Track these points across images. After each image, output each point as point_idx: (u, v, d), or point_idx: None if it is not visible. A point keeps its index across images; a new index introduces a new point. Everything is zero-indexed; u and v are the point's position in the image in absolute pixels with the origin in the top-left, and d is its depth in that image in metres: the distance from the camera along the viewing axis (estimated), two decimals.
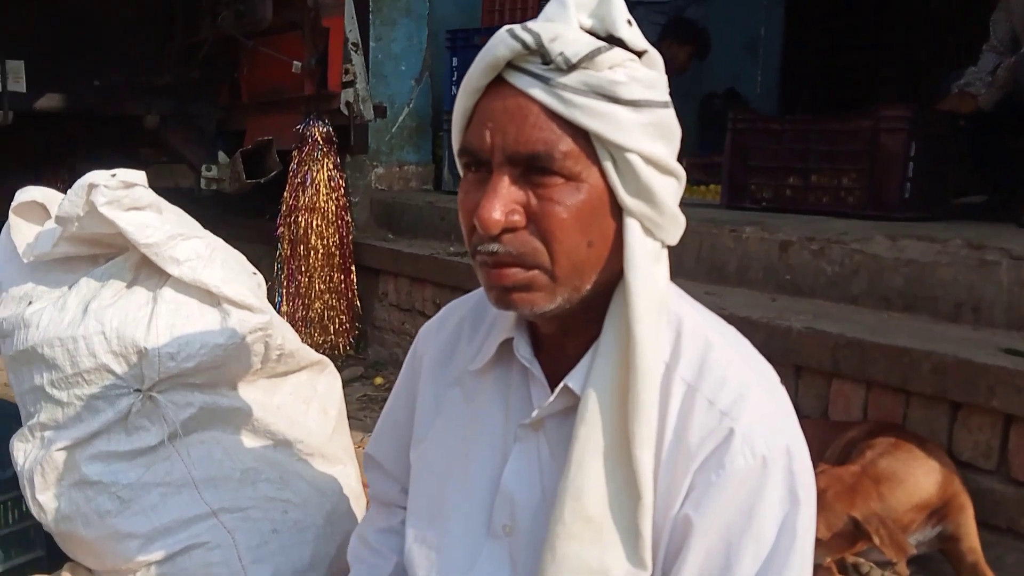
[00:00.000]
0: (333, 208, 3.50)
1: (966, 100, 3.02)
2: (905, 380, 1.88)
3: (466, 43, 3.90)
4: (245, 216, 4.55)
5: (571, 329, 0.90)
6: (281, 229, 3.50)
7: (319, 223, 3.46)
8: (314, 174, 3.45)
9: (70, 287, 1.55)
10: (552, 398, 0.90)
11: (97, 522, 1.47)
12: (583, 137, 0.80)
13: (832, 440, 1.88)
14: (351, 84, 3.61)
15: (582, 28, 0.83)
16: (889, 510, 1.61)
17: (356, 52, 3.62)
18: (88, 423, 1.47)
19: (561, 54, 0.79)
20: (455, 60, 3.92)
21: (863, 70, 5.32)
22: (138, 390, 1.48)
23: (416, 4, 4.17)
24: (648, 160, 0.82)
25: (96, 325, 1.47)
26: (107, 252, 1.59)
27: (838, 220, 2.76)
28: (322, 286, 3.46)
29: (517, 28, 0.82)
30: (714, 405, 0.84)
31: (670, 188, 0.84)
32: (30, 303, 1.52)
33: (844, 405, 2.02)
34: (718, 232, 2.61)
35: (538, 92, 0.80)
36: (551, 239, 0.81)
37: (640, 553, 0.84)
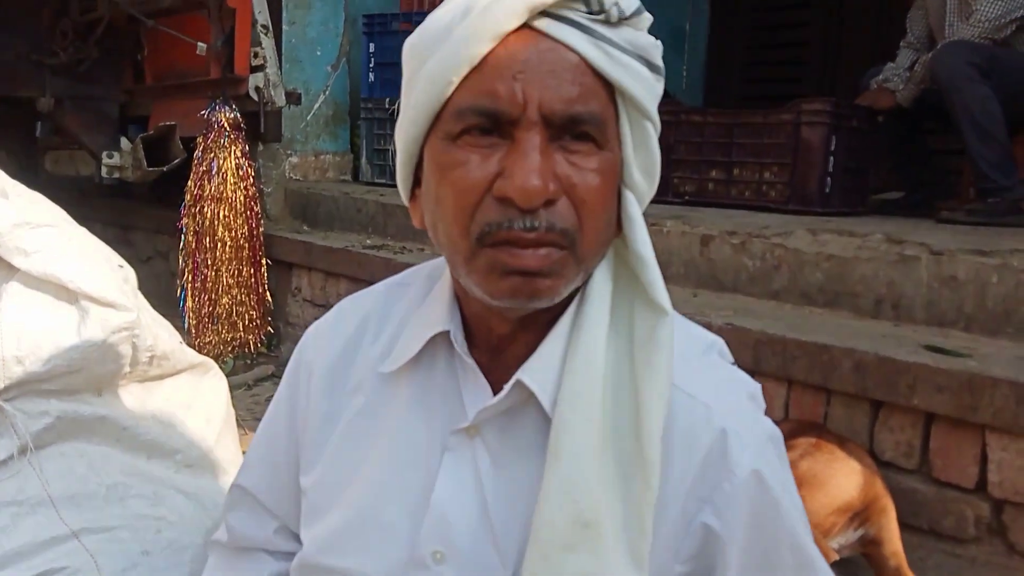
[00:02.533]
0: (241, 198, 3.32)
1: (884, 95, 3.02)
2: (826, 378, 1.82)
3: (384, 28, 3.76)
4: (150, 205, 4.32)
5: (530, 319, 0.78)
6: (185, 220, 3.30)
7: (227, 214, 3.27)
8: (220, 162, 3.26)
9: None
10: (504, 393, 0.78)
11: None
12: (613, 101, 0.73)
13: None
14: (261, 68, 3.43)
15: None
16: (810, 514, 1.53)
17: (266, 35, 3.45)
18: None
19: (616, 4, 0.71)
20: (373, 46, 3.77)
21: (788, 64, 5.34)
22: None
23: None
24: (656, 129, 0.77)
25: None
26: None
27: (760, 214, 2.72)
28: (230, 280, 3.28)
29: None
30: (695, 397, 0.79)
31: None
32: None
33: (766, 403, 1.96)
34: None
35: (581, 43, 0.70)
36: (587, 212, 0.72)
37: (642, 555, 0.74)
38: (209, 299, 3.27)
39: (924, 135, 3.29)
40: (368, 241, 3.34)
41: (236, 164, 3.30)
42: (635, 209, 0.77)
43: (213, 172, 3.26)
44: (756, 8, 5.44)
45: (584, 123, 0.71)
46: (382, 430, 0.85)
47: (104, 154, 3.75)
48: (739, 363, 2.08)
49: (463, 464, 0.81)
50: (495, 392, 0.80)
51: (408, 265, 2.79)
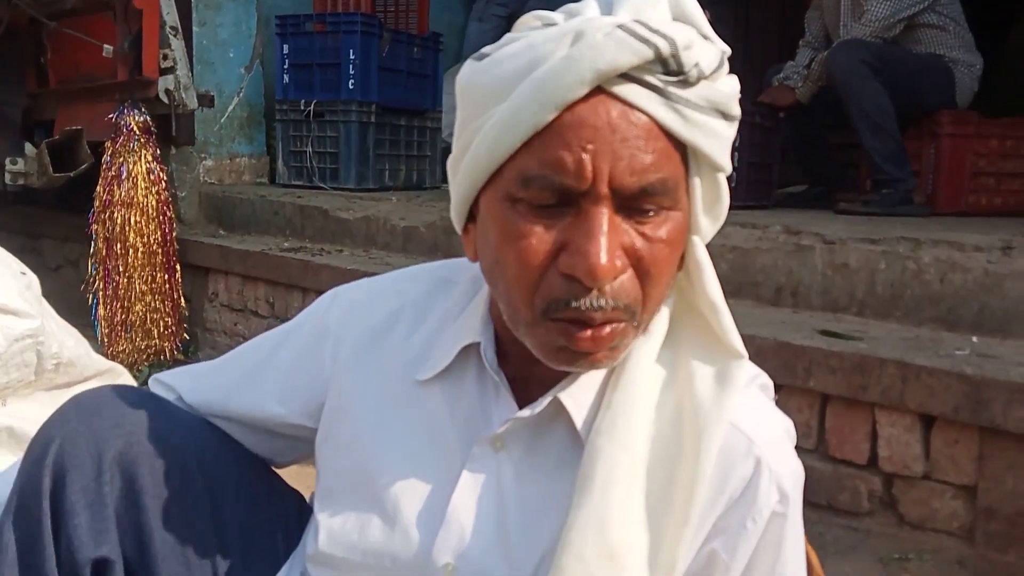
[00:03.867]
0: (154, 203, 3.26)
1: (785, 93, 3.15)
2: None
3: (297, 29, 3.73)
4: (58, 213, 4.19)
5: None
6: (95, 226, 3.22)
7: (138, 219, 3.20)
8: (130, 166, 3.20)
9: None
10: (540, 408, 0.77)
11: None
12: (685, 159, 0.70)
13: None
14: (171, 71, 3.37)
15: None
16: None
17: (175, 36, 3.38)
18: None
19: (696, 65, 0.66)
20: (286, 47, 3.74)
21: None
22: None
23: None
24: (726, 176, 0.73)
25: None
26: None
27: None
28: (143, 287, 3.21)
29: (637, 27, 0.66)
30: (738, 429, 0.75)
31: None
32: None
33: None
34: None
35: (656, 107, 0.66)
36: (651, 282, 0.70)
37: None
38: (122, 306, 3.20)
39: (824, 130, 3.44)
40: (286, 243, 3.32)
41: (147, 168, 3.24)
42: (703, 255, 0.75)
43: (123, 177, 3.20)
44: None
45: (655, 192, 0.68)
46: (407, 433, 0.83)
47: (8, 160, 3.63)
48: None
49: (485, 475, 0.80)
50: (520, 402, 0.79)
51: (327, 268, 2.80)
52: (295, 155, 3.82)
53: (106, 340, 3.21)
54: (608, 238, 0.66)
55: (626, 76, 0.66)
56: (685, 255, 0.75)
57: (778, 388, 1.88)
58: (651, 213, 0.68)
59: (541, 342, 0.72)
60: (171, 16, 3.39)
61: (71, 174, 3.33)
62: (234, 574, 0.89)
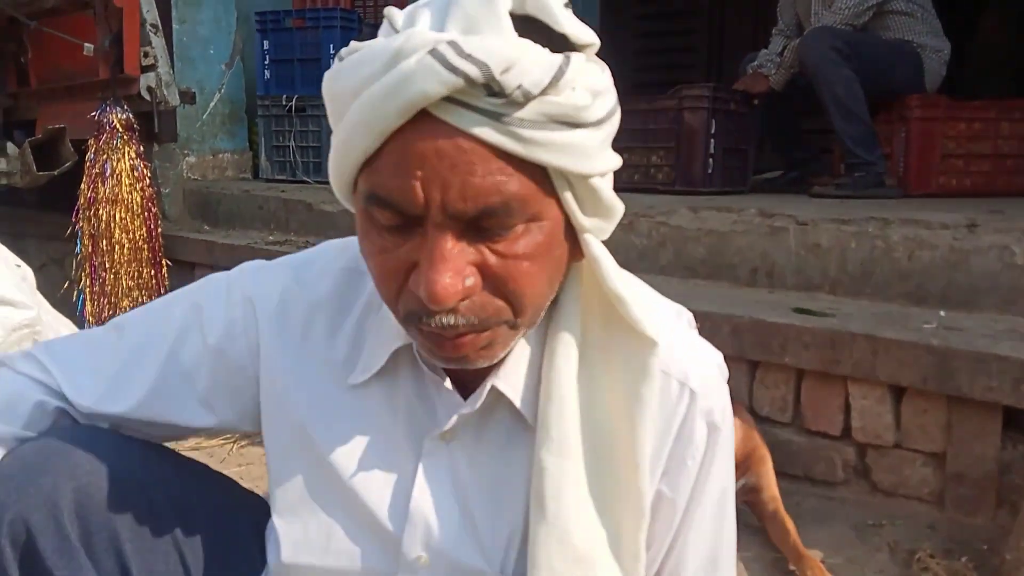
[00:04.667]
0: (138, 199, 3.27)
1: (759, 80, 3.21)
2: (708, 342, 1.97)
3: (277, 25, 3.76)
4: (41, 212, 4.20)
5: None
6: (80, 224, 3.24)
7: (123, 216, 3.22)
8: (114, 164, 3.22)
9: None
10: (480, 400, 0.78)
11: None
12: (540, 172, 0.65)
13: None
14: (152, 68, 3.38)
15: (515, 17, 0.64)
16: None
17: (156, 34, 3.40)
18: None
19: (520, 87, 0.61)
20: (266, 43, 3.76)
21: (678, 52, 5.57)
22: None
23: None
24: (604, 175, 0.69)
25: None
26: None
27: (647, 196, 2.87)
28: (130, 283, 3.23)
29: (448, 52, 0.60)
30: (670, 375, 0.78)
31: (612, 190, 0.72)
32: None
33: None
34: None
35: (486, 131, 0.61)
36: (516, 295, 0.68)
37: (637, 571, 0.78)
38: (109, 303, 3.22)
39: (798, 116, 3.51)
40: (271, 237, 3.36)
41: (131, 165, 3.26)
42: (599, 249, 0.73)
43: (107, 174, 3.22)
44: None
45: (501, 213, 0.64)
46: (352, 436, 0.83)
47: None
48: None
49: (440, 468, 0.81)
50: (462, 395, 0.80)
51: None
52: (278, 150, 3.85)
53: None
54: (450, 263, 0.64)
55: (451, 99, 0.61)
56: (582, 249, 0.73)
57: (755, 364, 1.96)
58: (505, 231, 0.65)
59: (416, 342, 0.74)
60: (151, 14, 3.41)
61: (55, 172, 3.34)
62: None
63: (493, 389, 0.78)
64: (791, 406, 1.94)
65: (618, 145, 2.67)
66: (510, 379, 0.78)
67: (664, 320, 0.80)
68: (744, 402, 1.95)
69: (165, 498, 0.86)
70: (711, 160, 2.96)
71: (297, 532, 0.84)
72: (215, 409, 0.88)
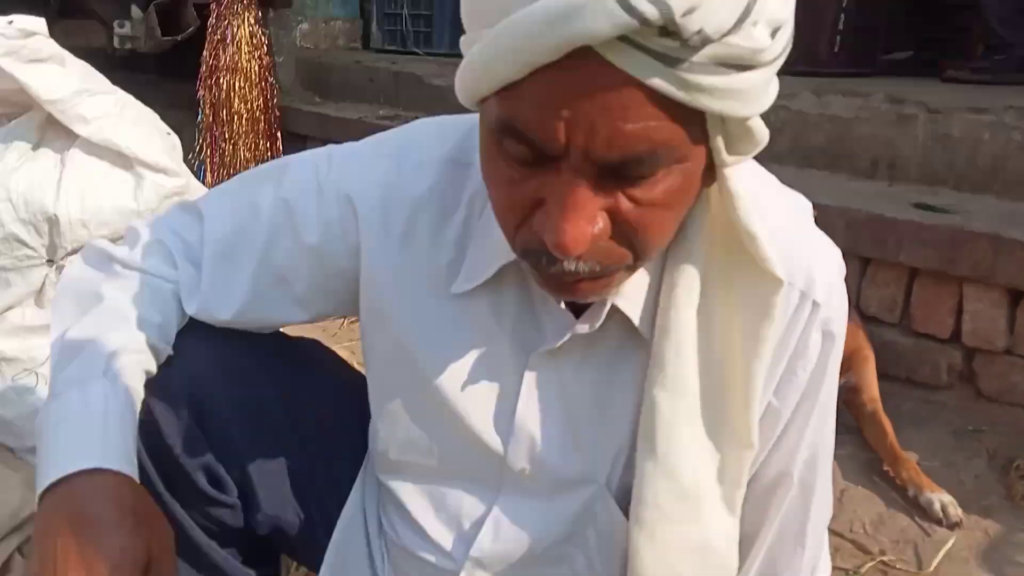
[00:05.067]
0: (256, 68, 3.35)
1: None
2: None
3: None
4: (162, 80, 4.34)
5: None
6: (201, 92, 3.35)
7: (242, 85, 3.32)
8: (235, 30, 3.28)
9: None
10: (600, 321, 0.76)
11: (16, 400, 1.46)
12: (695, 116, 0.58)
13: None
14: None
15: None
16: None
17: None
18: (1, 297, 1.45)
19: (699, 32, 0.53)
20: None
21: None
22: (50, 261, 1.46)
23: None
24: (760, 116, 0.63)
25: (2, 191, 1.42)
26: (9, 112, 1.52)
27: None
28: (248, 154, 3.36)
29: None
30: (793, 285, 0.75)
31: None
32: None
33: None
34: None
35: (650, 75, 0.54)
36: (644, 243, 0.64)
37: (735, 504, 0.79)
38: (227, 174, 3.36)
39: None
40: (381, 112, 3.40)
41: (250, 32, 3.32)
42: (737, 185, 0.68)
43: (228, 40, 3.29)
44: None
45: (646, 162, 0.59)
46: (457, 344, 0.81)
47: (116, 23, 3.75)
48: None
49: (546, 383, 0.80)
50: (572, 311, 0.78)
51: None
52: (389, 18, 3.84)
53: None
54: (582, 212, 0.59)
55: (622, 39, 0.54)
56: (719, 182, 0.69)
57: (866, 261, 1.93)
58: (645, 177, 0.60)
59: (529, 273, 0.70)
60: None
61: (178, 38, 3.44)
62: (320, 474, 0.95)
63: (613, 308, 0.76)
64: (900, 307, 1.92)
65: None
66: (630, 299, 0.76)
67: (787, 217, 0.77)
68: (852, 300, 1.93)
69: (275, 396, 0.90)
70: (838, 38, 2.80)
71: (400, 435, 0.86)
72: (311, 307, 0.87)
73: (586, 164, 0.58)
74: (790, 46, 0.61)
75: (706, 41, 0.54)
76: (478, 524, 0.86)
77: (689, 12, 0.52)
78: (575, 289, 0.66)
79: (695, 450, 0.76)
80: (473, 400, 0.82)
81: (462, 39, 0.64)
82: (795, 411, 0.80)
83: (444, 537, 0.88)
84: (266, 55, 3.39)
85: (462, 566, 0.87)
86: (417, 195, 0.81)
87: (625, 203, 0.61)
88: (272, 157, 3.44)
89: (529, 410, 0.81)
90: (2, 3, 4.20)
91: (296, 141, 3.64)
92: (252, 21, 3.33)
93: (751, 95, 0.58)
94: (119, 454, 0.73)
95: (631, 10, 0.52)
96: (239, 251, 0.84)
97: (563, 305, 0.77)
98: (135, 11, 3.75)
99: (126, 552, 0.67)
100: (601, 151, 0.57)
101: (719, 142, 0.61)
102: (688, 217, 0.72)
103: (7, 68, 1.38)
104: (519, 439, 0.81)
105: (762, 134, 0.63)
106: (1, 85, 1.42)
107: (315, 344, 1.00)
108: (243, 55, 3.32)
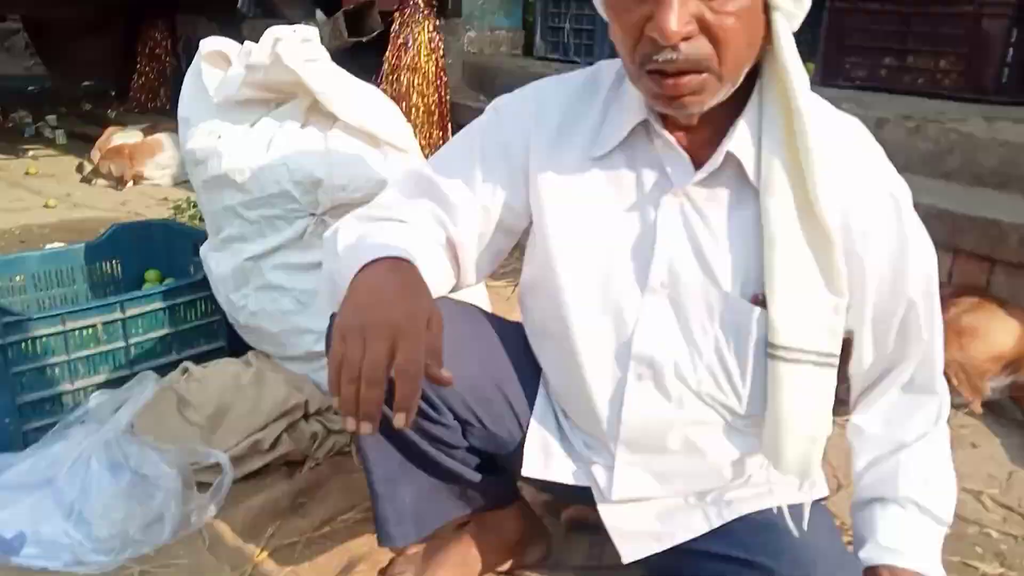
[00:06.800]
0: (432, 69, 3.63)
1: None
2: (992, 249, 2.02)
3: None
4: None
5: (710, 113, 1.00)
6: (383, 87, 3.64)
7: (420, 82, 3.60)
8: (415, 35, 3.57)
9: (252, 125, 1.75)
10: (719, 162, 1.00)
11: (280, 319, 1.73)
12: None
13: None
14: None
15: None
16: (968, 359, 1.80)
17: None
18: (271, 239, 1.72)
19: None
20: None
21: None
22: (312, 214, 1.71)
23: None
24: None
25: (280, 158, 1.68)
26: (278, 97, 1.79)
27: (933, 100, 2.82)
28: (423, 142, 3.63)
29: None
30: (854, 160, 1.02)
31: None
32: (219, 136, 1.74)
33: None
34: None
35: None
36: (723, 45, 0.90)
37: (839, 285, 1.00)
38: None
39: None
40: None
41: (429, 37, 3.61)
42: (782, 27, 0.93)
43: (409, 44, 3.58)
44: None
45: None
46: (605, 197, 1.07)
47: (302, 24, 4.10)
48: None
49: (675, 219, 1.04)
50: (692, 162, 1.03)
51: None
52: (552, 30, 4.06)
53: None
54: (678, 8, 0.87)
55: None
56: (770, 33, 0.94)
57: None
58: None
59: (644, 88, 0.96)
60: None
61: (363, 39, 3.75)
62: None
63: (728, 154, 1.00)
64: None
65: (904, 47, 2.69)
66: (740, 145, 1.00)
67: (854, 133, 1.06)
68: None
69: (488, 357, 1.17)
70: (1007, 70, 2.84)
71: (561, 257, 1.09)
72: (515, 194, 1.12)
73: None
74: None
75: None
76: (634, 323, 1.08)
77: None
78: (678, 85, 0.92)
79: (797, 238, 1.00)
80: (621, 229, 1.06)
81: None
82: (886, 245, 1.02)
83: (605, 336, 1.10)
84: (441, 58, 3.66)
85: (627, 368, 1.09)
86: (564, 98, 1.11)
87: (708, 13, 0.89)
88: (443, 144, 3.69)
89: (666, 237, 1.04)
90: (202, 11, 4.59)
91: None
92: (431, 28, 3.62)
93: None
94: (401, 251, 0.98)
95: None
96: (469, 183, 1.13)
97: (682, 151, 1.03)
98: (319, 15, 4.10)
99: (419, 303, 0.90)
100: None
101: None
102: (766, 92, 1.00)
103: (291, 65, 1.64)
104: (660, 258, 1.05)
105: None
106: (283, 77, 1.69)
107: (503, 322, 1.26)
108: (421, 57, 3.60)
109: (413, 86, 3.58)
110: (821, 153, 0.96)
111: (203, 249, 1.83)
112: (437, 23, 3.63)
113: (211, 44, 1.81)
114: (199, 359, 1.79)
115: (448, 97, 3.72)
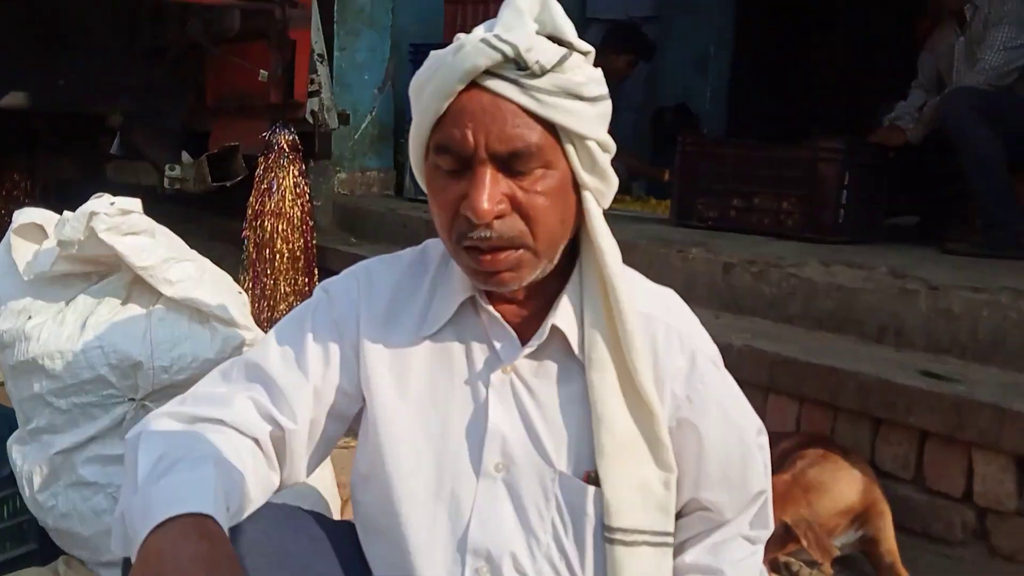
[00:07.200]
0: (298, 213, 3.59)
1: (895, 133, 3.26)
2: (834, 397, 2.08)
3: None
4: (205, 213, 4.60)
5: (535, 287, 1.04)
6: (246, 233, 3.57)
7: (284, 228, 3.54)
8: (280, 180, 3.53)
9: (67, 303, 1.64)
10: (545, 336, 1.02)
11: (93, 520, 1.57)
12: (552, 130, 0.94)
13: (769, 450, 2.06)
14: (316, 94, 3.70)
15: (538, 34, 0.95)
16: (816, 516, 1.80)
17: (321, 63, 3.72)
18: (85, 428, 1.58)
19: (537, 62, 0.92)
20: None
21: (809, 88, 5.59)
22: (132, 399, 1.59)
23: (379, 16, 4.28)
24: (600, 144, 0.98)
25: (95, 340, 1.57)
26: (100, 270, 1.69)
27: (777, 243, 2.96)
28: (287, 288, 3.55)
29: (491, 38, 0.93)
30: (672, 327, 1.06)
31: (610, 162, 1.01)
32: (29, 317, 1.61)
33: (779, 418, 2.21)
34: (667, 252, 2.79)
35: (515, 94, 0.92)
36: (535, 223, 0.95)
37: (666, 459, 1.02)
38: (268, 305, 3.54)
39: (933, 165, 3.51)
40: None
41: (294, 182, 3.57)
42: (591, 205, 1.00)
43: (273, 189, 3.54)
44: (777, 35, 5.67)
45: (523, 155, 0.93)
46: (434, 378, 1.06)
47: (167, 167, 4.03)
48: (755, 382, 2.35)
49: (506, 398, 1.04)
50: (518, 337, 1.04)
51: None
52: None
53: None
54: (489, 188, 0.92)
55: (491, 73, 0.92)
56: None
57: (879, 421, 2.05)
58: (527, 170, 0.94)
59: (463, 264, 1.00)
60: (319, 45, 3.73)
61: (227, 184, 3.69)
62: None
63: (553, 328, 1.03)
64: (913, 464, 2.02)
65: (750, 189, 2.82)
66: (564, 319, 1.03)
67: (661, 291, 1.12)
68: (866, 456, 2.04)
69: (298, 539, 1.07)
70: (842, 210, 3.03)
71: (388, 450, 1.05)
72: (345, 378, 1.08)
73: (487, 158, 0.93)
74: (607, 102, 0.99)
75: (543, 70, 0.92)
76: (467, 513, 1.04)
77: (529, 50, 0.92)
78: (495, 260, 0.95)
79: (622, 412, 1.02)
80: (452, 412, 1.05)
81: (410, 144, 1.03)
82: (710, 406, 1.06)
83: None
84: (307, 202, 3.63)
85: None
86: (393, 277, 1.12)
87: (518, 192, 0.94)
88: (309, 292, 3.62)
89: (498, 417, 1.04)
90: (65, 151, 4.46)
91: (331, 277, 3.83)
92: (296, 173, 3.59)
93: (584, 118, 0.95)
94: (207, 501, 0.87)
95: (496, 49, 0.92)
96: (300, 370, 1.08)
97: (511, 330, 1.04)
98: (186, 156, 4.04)
99: None
100: (495, 146, 0.93)
101: (573, 155, 0.96)
102: (585, 262, 1.05)
103: (108, 240, 1.56)
104: (493, 439, 1.03)
105: (605, 165, 0.99)
106: (100, 252, 1.60)
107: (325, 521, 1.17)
108: (287, 202, 3.56)
109: (277, 232, 3.51)
110: (636, 327, 1.00)
111: (10, 441, 1.67)
112: (303, 167, 3.61)
113: (25, 215, 1.71)
114: (6, 566, 1.61)
115: (315, 242, 3.68)
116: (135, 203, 1.63)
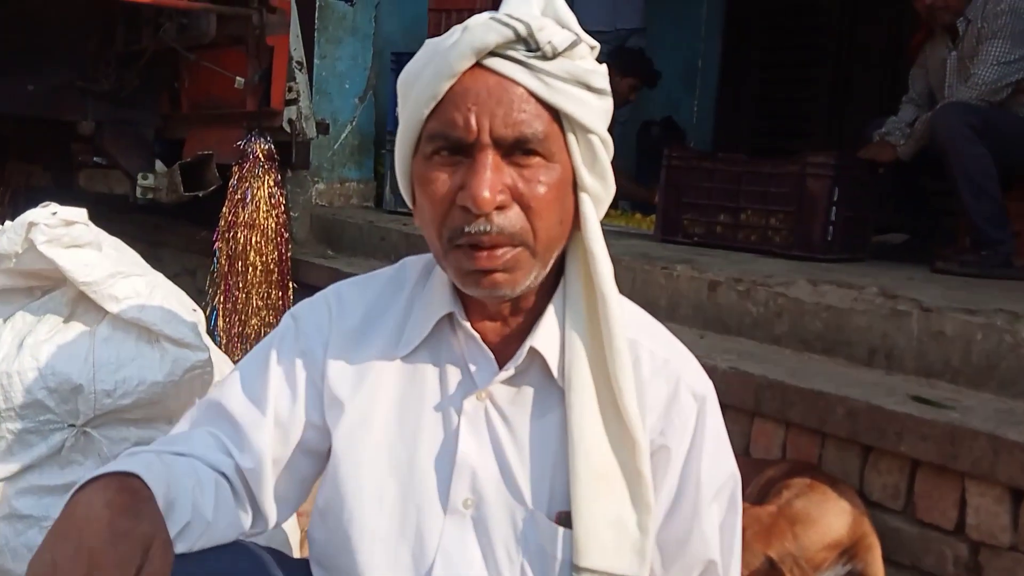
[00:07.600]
0: (273, 225, 3.49)
1: (886, 149, 3.18)
2: (821, 423, 1.98)
3: None
4: (179, 223, 4.49)
5: (517, 305, 0.97)
6: (219, 244, 3.47)
7: (258, 240, 3.44)
8: (255, 191, 3.44)
9: (5, 320, 1.54)
10: (521, 359, 0.95)
11: (27, 556, 1.45)
12: (557, 120, 0.88)
13: (753, 477, 1.97)
14: (294, 102, 3.61)
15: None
16: (803, 550, 1.71)
17: (300, 71, 3.63)
18: (20, 457, 1.47)
19: (549, 43, 0.86)
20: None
21: (797, 103, 5.54)
22: (72, 425, 1.49)
23: (362, 24, 4.18)
24: (603, 141, 0.92)
25: (32, 361, 1.46)
26: (43, 285, 1.59)
27: (764, 261, 2.88)
28: (259, 302, 3.44)
29: (502, 15, 0.88)
30: (656, 355, 0.99)
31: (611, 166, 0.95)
32: None
33: (765, 444, 2.12)
34: (651, 269, 2.70)
35: (524, 77, 0.86)
36: (536, 215, 0.88)
37: (645, 498, 0.94)
38: (239, 320, 3.43)
39: (924, 184, 3.45)
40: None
41: (269, 193, 3.47)
42: (589, 208, 0.93)
43: (247, 200, 3.44)
44: (764, 48, 5.62)
45: (529, 142, 0.87)
46: (404, 402, 0.99)
47: (139, 176, 3.93)
48: (741, 405, 2.25)
49: (479, 426, 0.97)
50: (497, 358, 0.97)
51: None
52: None
53: (224, 350, 3.44)
54: (491, 176, 0.85)
55: (497, 54, 0.86)
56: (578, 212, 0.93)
57: (868, 449, 1.97)
58: (530, 160, 0.88)
59: (454, 268, 0.91)
60: (298, 52, 3.64)
61: (199, 194, 3.59)
62: None
63: (531, 350, 0.96)
64: (903, 494, 1.93)
65: (737, 205, 2.72)
66: (545, 341, 0.96)
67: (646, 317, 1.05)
68: (855, 486, 1.95)
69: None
70: (831, 227, 2.95)
71: (352, 484, 0.98)
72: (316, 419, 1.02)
73: (491, 142, 0.86)
74: (611, 98, 0.93)
75: (555, 52, 0.87)
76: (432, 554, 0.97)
77: (541, 29, 0.87)
78: (492, 257, 0.87)
79: (601, 441, 0.94)
80: (421, 440, 0.98)
81: (398, 137, 0.95)
82: (680, 445, 0.99)
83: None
84: (283, 213, 3.53)
85: None
86: (366, 298, 1.04)
87: (520, 182, 0.87)
88: (283, 307, 3.52)
89: (468, 448, 0.96)
90: (36, 158, 4.35)
91: (308, 292, 3.69)
92: (271, 183, 3.49)
93: (590, 108, 0.90)
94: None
95: (507, 25, 0.86)
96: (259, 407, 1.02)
97: (488, 351, 0.97)
98: (159, 165, 3.94)
99: (134, 526, 0.78)
100: (500, 130, 0.86)
101: (575, 147, 0.90)
102: (570, 285, 0.98)
103: (47, 253, 1.46)
104: (461, 473, 0.96)
105: (606, 164, 0.92)
106: (40, 266, 1.50)
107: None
108: (261, 213, 3.46)
109: (251, 244, 3.41)
110: (624, 341, 0.94)
111: None
112: (278, 178, 3.51)
113: None
114: None
115: (290, 254, 3.57)
116: (80, 213, 1.53)
